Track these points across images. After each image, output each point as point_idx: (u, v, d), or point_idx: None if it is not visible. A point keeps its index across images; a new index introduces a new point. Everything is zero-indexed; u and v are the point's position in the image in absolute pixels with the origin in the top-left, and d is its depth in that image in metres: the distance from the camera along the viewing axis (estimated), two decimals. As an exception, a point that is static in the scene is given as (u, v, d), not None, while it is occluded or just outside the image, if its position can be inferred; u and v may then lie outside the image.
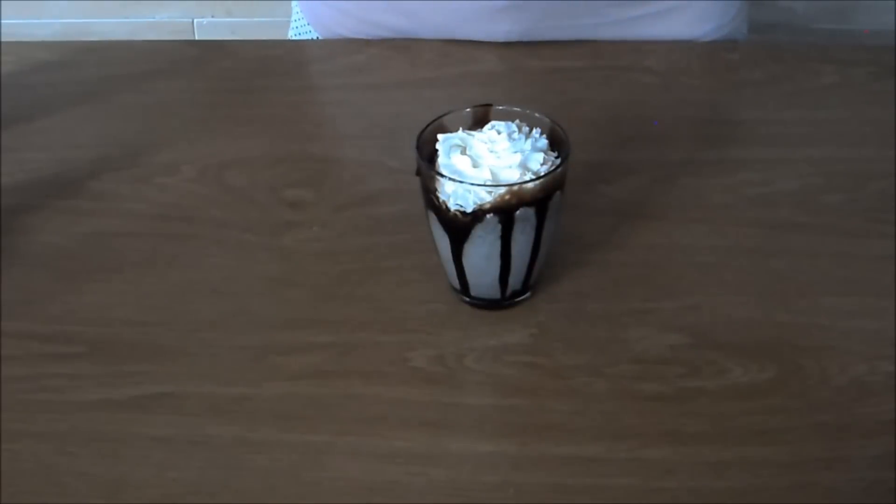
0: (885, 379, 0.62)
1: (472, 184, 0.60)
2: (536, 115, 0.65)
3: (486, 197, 0.60)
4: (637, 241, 0.72)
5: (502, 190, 0.60)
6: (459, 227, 0.62)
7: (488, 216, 0.61)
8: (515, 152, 0.62)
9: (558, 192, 0.62)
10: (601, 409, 0.60)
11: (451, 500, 0.55)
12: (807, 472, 0.56)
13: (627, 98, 0.87)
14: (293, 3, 1.05)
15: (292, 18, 1.06)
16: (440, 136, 0.64)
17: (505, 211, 0.61)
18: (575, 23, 0.91)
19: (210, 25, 2.06)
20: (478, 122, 0.65)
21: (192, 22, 2.06)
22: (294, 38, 1.05)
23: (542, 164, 0.62)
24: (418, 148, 0.63)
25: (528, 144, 0.62)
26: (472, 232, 0.62)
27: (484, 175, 0.61)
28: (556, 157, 0.63)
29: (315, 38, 1.02)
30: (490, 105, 0.66)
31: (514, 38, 0.92)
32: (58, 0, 2.02)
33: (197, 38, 2.04)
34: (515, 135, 0.63)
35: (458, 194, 0.61)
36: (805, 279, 0.70)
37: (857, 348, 0.64)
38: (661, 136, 0.82)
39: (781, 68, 0.91)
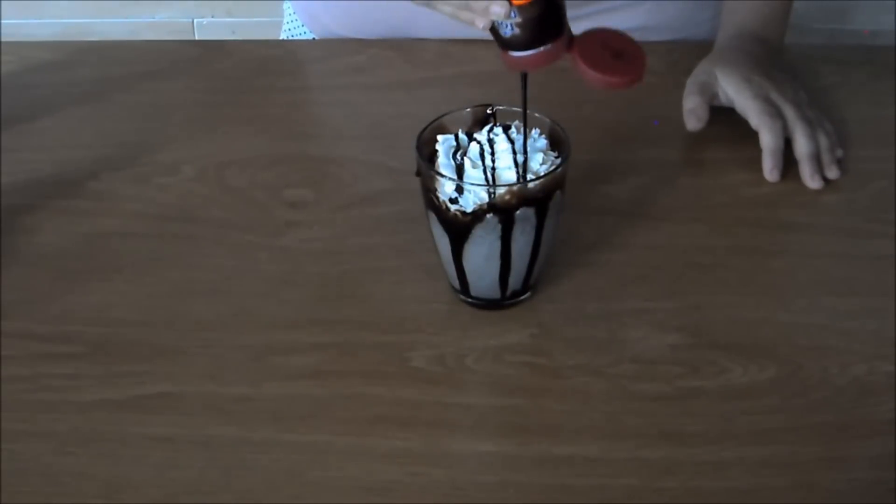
0: (885, 379, 0.62)
1: (472, 184, 0.60)
2: (536, 115, 0.65)
3: (486, 197, 0.60)
4: (637, 241, 0.72)
5: (502, 190, 0.60)
6: (459, 227, 0.62)
7: (488, 216, 0.61)
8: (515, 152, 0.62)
9: (558, 192, 0.62)
10: (601, 409, 0.60)
11: (451, 500, 0.55)
12: (807, 472, 0.56)
13: (627, 98, 0.87)
14: (285, 4, 1.05)
15: (284, 20, 1.05)
16: (440, 137, 0.64)
17: (505, 211, 0.61)
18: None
19: (210, 25, 2.06)
20: (478, 122, 0.65)
21: (192, 22, 2.06)
22: (286, 39, 1.05)
23: (541, 164, 0.62)
24: (418, 148, 0.63)
25: (527, 144, 0.62)
26: (472, 232, 0.62)
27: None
28: (556, 157, 0.63)
29: (309, 38, 1.02)
30: (490, 105, 0.66)
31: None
32: (58, 0, 2.02)
33: (197, 38, 2.04)
34: (515, 135, 0.63)
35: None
36: (805, 279, 0.70)
37: (857, 348, 0.64)
38: (661, 136, 0.82)
39: (781, 68, 0.91)
